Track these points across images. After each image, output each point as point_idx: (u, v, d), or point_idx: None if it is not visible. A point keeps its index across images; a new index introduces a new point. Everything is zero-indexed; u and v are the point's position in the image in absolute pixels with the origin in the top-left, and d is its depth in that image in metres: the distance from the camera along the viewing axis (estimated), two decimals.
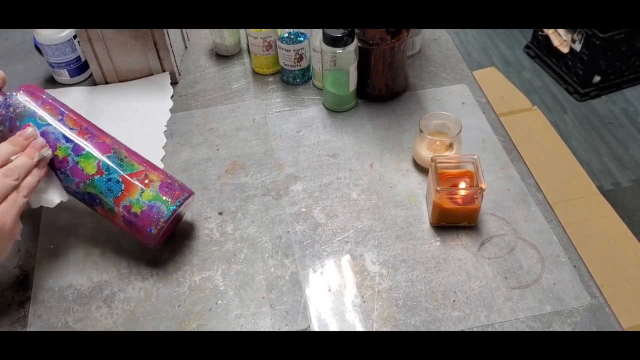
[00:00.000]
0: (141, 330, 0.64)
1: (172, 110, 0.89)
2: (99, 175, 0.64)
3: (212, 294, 0.66)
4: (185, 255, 0.70)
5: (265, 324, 0.63)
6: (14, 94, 0.64)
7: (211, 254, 0.70)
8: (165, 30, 0.88)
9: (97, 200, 0.65)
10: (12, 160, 0.60)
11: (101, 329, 0.64)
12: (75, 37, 0.91)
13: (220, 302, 0.66)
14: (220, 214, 0.75)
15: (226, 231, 0.73)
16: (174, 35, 0.93)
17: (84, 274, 0.69)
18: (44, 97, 0.66)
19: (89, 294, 0.67)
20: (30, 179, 0.61)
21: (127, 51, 0.89)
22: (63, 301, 0.67)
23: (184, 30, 1.01)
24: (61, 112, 0.66)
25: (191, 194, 0.68)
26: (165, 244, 0.71)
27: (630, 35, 1.89)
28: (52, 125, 0.64)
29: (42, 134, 0.64)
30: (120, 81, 0.93)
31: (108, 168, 0.65)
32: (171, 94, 0.92)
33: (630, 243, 1.23)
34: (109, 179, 0.65)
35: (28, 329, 0.64)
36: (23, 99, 0.64)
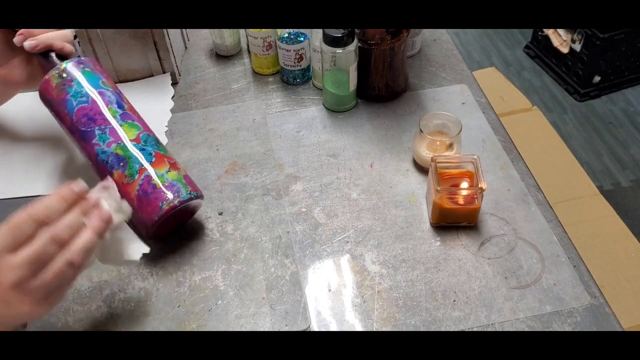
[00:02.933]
0: (141, 330, 0.64)
1: (172, 111, 0.89)
2: (135, 143, 0.67)
3: (212, 294, 0.66)
4: (185, 255, 0.70)
5: (265, 324, 0.63)
6: (85, 57, 0.71)
7: (211, 254, 0.70)
8: (165, 30, 0.88)
9: (122, 164, 0.66)
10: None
11: (101, 329, 0.64)
12: (75, 37, 0.91)
13: (220, 302, 0.66)
14: (220, 214, 0.75)
15: (226, 231, 0.73)
16: (174, 35, 0.93)
17: (84, 274, 0.69)
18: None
19: (89, 294, 0.67)
20: (83, 242, 0.51)
21: (127, 51, 0.89)
22: (63, 301, 0.67)
23: (184, 30, 1.01)
24: (118, 89, 0.72)
25: (202, 196, 0.70)
26: (165, 244, 0.71)
27: (630, 35, 1.89)
28: (111, 90, 0.70)
29: (101, 93, 0.68)
30: (120, 81, 0.93)
31: (146, 141, 0.68)
32: (172, 95, 0.92)
33: (630, 243, 1.23)
34: (144, 149, 0.67)
35: (28, 329, 0.64)
36: (93, 63, 0.71)
